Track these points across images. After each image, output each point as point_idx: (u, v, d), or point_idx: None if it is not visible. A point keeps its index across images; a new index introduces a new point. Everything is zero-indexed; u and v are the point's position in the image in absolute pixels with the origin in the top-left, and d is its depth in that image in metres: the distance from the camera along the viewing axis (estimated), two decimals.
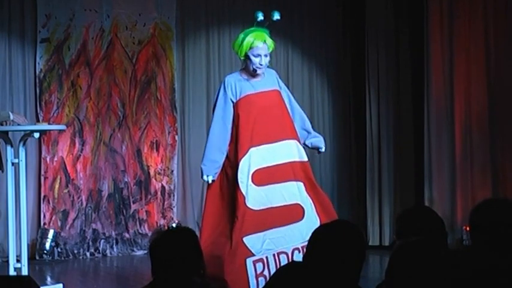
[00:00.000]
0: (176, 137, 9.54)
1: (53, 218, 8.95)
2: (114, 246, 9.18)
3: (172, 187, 9.48)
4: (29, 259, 6.89)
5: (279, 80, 6.62)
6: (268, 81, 6.48)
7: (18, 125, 6.61)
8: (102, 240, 9.13)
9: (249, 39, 6.30)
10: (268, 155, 6.28)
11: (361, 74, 9.84)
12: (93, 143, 9.15)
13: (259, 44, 6.31)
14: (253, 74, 6.38)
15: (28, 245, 7.46)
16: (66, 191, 9.02)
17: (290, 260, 6.15)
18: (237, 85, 6.33)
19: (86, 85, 9.14)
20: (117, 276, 8.41)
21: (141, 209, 9.34)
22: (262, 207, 6.21)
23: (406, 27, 9.58)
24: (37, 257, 8.71)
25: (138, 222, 9.30)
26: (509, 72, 8.54)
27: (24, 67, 8.98)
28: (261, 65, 6.32)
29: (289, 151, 6.38)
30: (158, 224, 9.30)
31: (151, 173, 9.38)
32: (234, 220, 6.17)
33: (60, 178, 9.00)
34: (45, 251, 8.74)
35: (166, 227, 9.09)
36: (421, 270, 2.60)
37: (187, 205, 9.59)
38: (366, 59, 9.68)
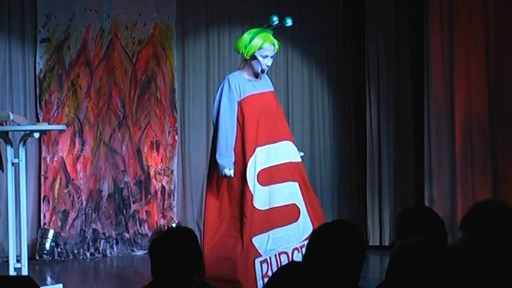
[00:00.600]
0: (176, 137, 9.54)
1: (53, 218, 8.95)
2: (114, 246, 9.18)
3: (172, 187, 9.49)
4: (29, 259, 6.89)
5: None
6: (266, 82, 6.55)
7: (18, 125, 6.61)
8: (102, 240, 9.13)
9: (258, 40, 6.33)
10: (270, 154, 6.33)
11: (361, 74, 9.85)
12: (93, 143, 9.15)
13: (268, 45, 6.36)
14: (256, 74, 6.41)
15: (28, 245, 7.46)
16: (66, 191, 9.02)
17: (290, 260, 6.18)
18: (240, 84, 6.36)
19: (86, 85, 9.14)
20: (117, 276, 8.41)
21: (141, 209, 9.34)
22: (266, 207, 6.26)
23: (406, 27, 9.58)
24: (37, 257, 8.71)
25: (138, 222, 9.30)
26: (509, 72, 8.53)
27: (24, 67, 8.99)
28: (267, 66, 6.38)
29: (288, 151, 6.44)
30: (158, 224, 9.30)
31: (151, 173, 9.38)
32: (242, 220, 6.19)
33: (60, 178, 9.00)
34: (45, 251, 8.74)
35: (166, 227, 9.09)
36: (421, 270, 2.60)
37: (187, 205, 9.60)
38: (366, 58, 9.69)
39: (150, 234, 9.16)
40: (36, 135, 6.57)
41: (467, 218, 3.26)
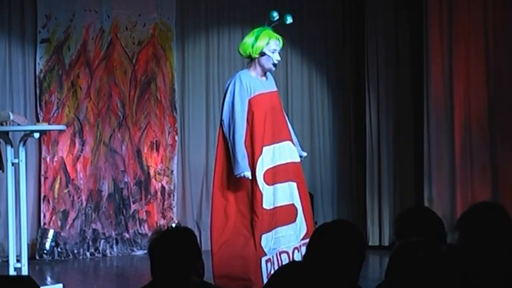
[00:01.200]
0: (176, 137, 9.54)
1: (53, 218, 8.95)
2: (114, 246, 9.19)
3: (172, 187, 9.49)
4: (29, 259, 6.89)
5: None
6: (271, 82, 6.59)
7: (18, 125, 6.61)
8: (102, 240, 9.14)
9: (264, 37, 6.38)
10: (275, 154, 6.36)
11: (361, 74, 9.86)
12: (93, 143, 9.16)
13: (274, 40, 6.42)
14: (265, 72, 6.45)
15: (28, 245, 7.47)
16: (66, 191, 9.03)
17: (291, 260, 6.20)
18: (250, 82, 6.38)
19: (86, 85, 9.15)
20: (117, 276, 8.41)
21: (141, 209, 9.35)
22: (271, 207, 6.30)
23: (406, 27, 9.58)
24: (37, 257, 8.72)
25: (138, 222, 9.31)
26: (508, 72, 8.54)
27: (24, 67, 9.00)
28: (278, 60, 6.42)
29: (290, 152, 6.48)
30: (158, 224, 9.31)
31: (151, 173, 9.39)
32: (253, 219, 6.23)
33: (60, 178, 9.01)
34: (45, 251, 8.75)
35: (166, 227, 9.09)
36: (421, 270, 2.60)
37: (187, 205, 9.61)
38: (365, 59, 9.69)
39: (149, 234, 9.16)
40: (36, 135, 6.58)
41: (461, 220, 3.26)
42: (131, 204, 9.30)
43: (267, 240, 6.24)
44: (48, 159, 8.96)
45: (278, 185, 6.33)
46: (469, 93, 8.82)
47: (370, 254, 8.50)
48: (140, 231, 9.30)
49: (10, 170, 6.58)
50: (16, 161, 6.57)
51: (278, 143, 6.38)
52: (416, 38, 9.40)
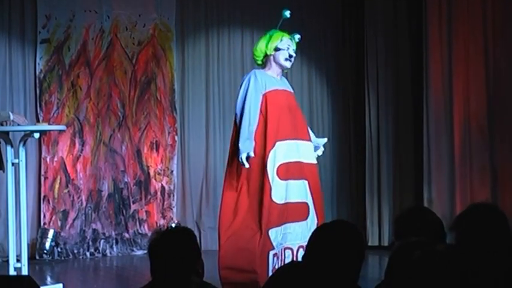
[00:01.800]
0: (176, 138, 9.55)
1: (53, 218, 8.96)
2: (114, 246, 9.19)
3: (172, 187, 9.50)
4: (29, 259, 6.89)
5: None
6: (285, 82, 6.76)
7: (18, 125, 6.61)
8: (102, 240, 9.15)
9: (277, 35, 6.56)
10: (290, 150, 6.41)
11: (361, 74, 9.86)
12: (93, 143, 9.16)
13: (286, 38, 6.60)
14: (280, 70, 6.60)
15: (28, 244, 7.47)
16: (66, 191, 9.03)
17: (294, 257, 6.24)
18: (265, 79, 6.50)
19: (86, 85, 9.16)
20: (117, 276, 8.42)
21: (141, 209, 9.35)
22: (283, 201, 6.33)
23: (406, 27, 9.58)
24: (37, 257, 8.72)
25: (137, 222, 9.31)
26: (508, 73, 8.54)
27: (25, 67, 9.00)
28: (290, 56, 6.57)
29: (309, 152, 6.58)
30: (158, 224, 9.31)
31: (151, 173, 9.40)
32: (261, 211, 6.26)
33: (60, 178, 9.02)
34: (45, 251, 8.76)
35: (165, 227, 9.09)
36: (420, 270, 2.61)
37: (186, 205, 9.61)
38: (365, 59, 9.70)
39: (149, 234, 9.17)
40: (36, 135, 6.57)
41: (457, 221, 3.27)
42: (131, 204, 9.30)
43: (275, 234, 6.27)
44: (48, 159, 8.97)
45: (292, 181, 6.37)
46: (469, 94, 8.82)
47: (370, 254, 8.50)
48: (140, 231, 9.31)
49: (10, 170, 6.58)
50: (16, 161, 6.57)
51: (293, 140, 6.43)
52: (416, 38, 9.40)
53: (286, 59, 6.56)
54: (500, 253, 3.09)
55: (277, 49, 6.53)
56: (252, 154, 6.25)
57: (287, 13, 6.69)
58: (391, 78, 9.57)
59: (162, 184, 9.45)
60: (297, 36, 6.74)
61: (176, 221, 9.36)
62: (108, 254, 9.15)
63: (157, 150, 9.44)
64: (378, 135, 9.57)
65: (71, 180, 9.05)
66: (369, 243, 9.34)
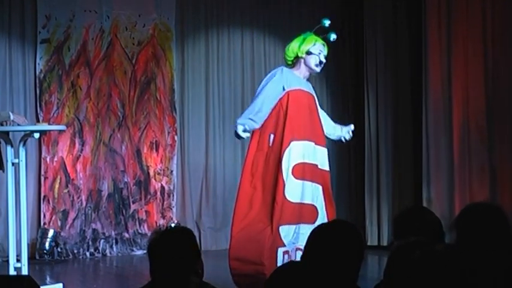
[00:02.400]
0: (175, 137, 9.56)
1: (53, 218, 8.97)
2: (113, 246, 9.20)
3: (171, 187, 9.51)
4: (29, 259, 6.89)
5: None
6: (310, 86, 6.77)
7: (18, 125, 6.62)
8: (102, 240, 9.15)
9: (311, 38, 6.60)
10: (306, 152, 6.45)
11: (360, 75, 9.86)
12: (93, 143, 9.17)
13: (320, 43, 6.63)
14: (309, 73, 6.64)
15: (28, 244, 7.46)
16: (66, 191, 9.04)
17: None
18: (292, 77, 6.55)
19: (86, 85, 9.16)
20: (117, 276, 8.42)
21: (141, 209, 9.36)
22: (297, 201, 6.38)
23: (405, 28, 9.59)
24: (37, 257, 8.72)
25: (137, 222, 9.32)
26: (507, 74, 8.55)
27: (25, 68, 9.01)
28: (321, 62, 6.60)
29: (325, 159, 6.60)
30: (157, 224, 9.32)
31: (151, 173, 9.40)
32: (273, 206, 6.31)
33: (60, 178, 9.02)
34: (45, 251, 8.76)
35: (165, 227, 9.09)
36: (419, 270, 2.61)
37: (186, 205, 9.62)
38: (364, 60, 9.71)
39: (149, 234, 9.17)
40: (36, 135, 6.58)
41: (458, 220, 3.28)
42: (131, 204, 9.31)
43: (288, 232, 6.31)
44: (48, 159, 8.98)
45: (307, 183, 6.43)
46: (468, 94, 8.83)
47: (369, 254, 8.50)
48: (140, 231, 9.31)
49: (10, 170, 6.58)
50: (16, 161, 6.58)
51: (311, 142, 6.47)
52: (415, 39, 9.41)
53: (316, 65, 6.60)
54: (499, 252, 3.10)
55: (309, 53, 6.57)
56: (247, 128, 6.36)
57: (327, 22, 6.71)
58: (391, 80, 9.58)
59: (161, 184, 9.46)
60: (333, 36, 6.73)
61: (176, 221, 9.36)
62: (108, 254, 9.16)
63: (157, 150, 9.45)
64: (377, 135, 9.58)
65: (71, 180, 9.06)
66: (368, 243, 9.35)
